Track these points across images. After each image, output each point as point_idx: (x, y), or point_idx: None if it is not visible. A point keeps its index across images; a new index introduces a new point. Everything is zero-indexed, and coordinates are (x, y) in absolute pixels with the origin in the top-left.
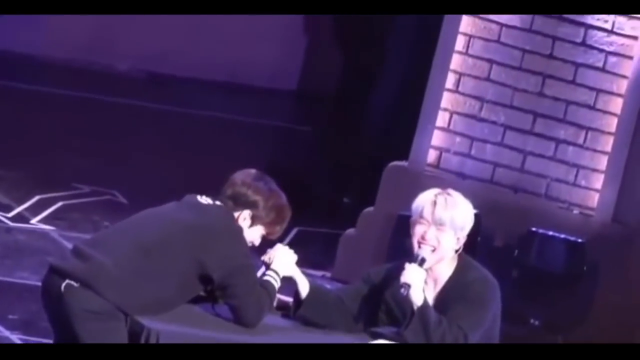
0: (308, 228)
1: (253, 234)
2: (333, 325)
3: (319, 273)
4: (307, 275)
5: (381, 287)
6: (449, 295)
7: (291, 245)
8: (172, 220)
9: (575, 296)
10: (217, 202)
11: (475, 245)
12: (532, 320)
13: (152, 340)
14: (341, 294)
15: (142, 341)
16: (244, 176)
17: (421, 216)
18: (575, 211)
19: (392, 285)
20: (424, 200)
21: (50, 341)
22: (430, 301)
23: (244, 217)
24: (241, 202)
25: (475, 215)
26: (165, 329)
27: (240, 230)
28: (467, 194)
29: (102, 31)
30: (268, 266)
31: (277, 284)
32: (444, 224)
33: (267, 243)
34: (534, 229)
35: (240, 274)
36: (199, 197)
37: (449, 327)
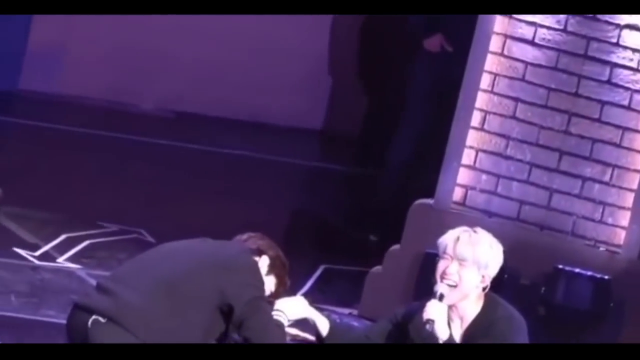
0: (334, 266)
1: (267, 284)
2: None
3: (346, 310)
4: (333, 312)
5: (407, 325)
6: (475, 332)
7: (318, 282)
8: (193, 253)
9: (601, 333)
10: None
11: (501, 283)
12: None
13: None
14: (367, 331)
15: None
16: (247, 234)
17: (444, 252)
18: (602, 248)
19: (417, 323)
20: (448, 236)
21: None
22: (457, 338)
23: (262, 264)
24: (256, 250)
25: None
26: None
27: (257, 265)
28: (493, 231)
29: (127, 71)
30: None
31: (285, 322)
32: (466, 259)
33: None
34: (560, 266)
35: (258, 306)
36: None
37: None
